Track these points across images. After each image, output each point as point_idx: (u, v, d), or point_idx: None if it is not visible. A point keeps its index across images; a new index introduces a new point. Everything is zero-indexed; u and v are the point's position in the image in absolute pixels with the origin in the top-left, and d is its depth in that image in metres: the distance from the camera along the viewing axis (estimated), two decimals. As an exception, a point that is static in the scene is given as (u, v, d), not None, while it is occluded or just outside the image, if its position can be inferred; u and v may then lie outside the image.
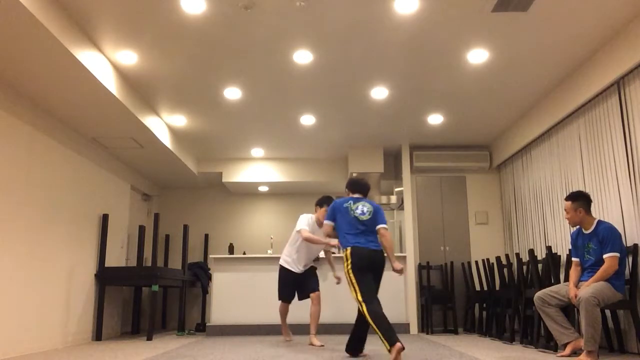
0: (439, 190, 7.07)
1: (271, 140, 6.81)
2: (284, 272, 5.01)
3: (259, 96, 5.34)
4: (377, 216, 3.84)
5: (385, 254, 3.82)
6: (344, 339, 5.41)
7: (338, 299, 6.27)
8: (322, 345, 4.64)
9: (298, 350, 4.31)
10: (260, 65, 4.64)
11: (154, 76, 4.81)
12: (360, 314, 3.72)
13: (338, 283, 5.02)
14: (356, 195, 3.98)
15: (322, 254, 6.31)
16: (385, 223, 3.83)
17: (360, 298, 3.50)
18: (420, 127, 6.36)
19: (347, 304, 6.26)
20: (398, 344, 3.15)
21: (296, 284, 5.02)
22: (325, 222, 3.93)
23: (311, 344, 4.74)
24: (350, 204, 3.87)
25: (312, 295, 4.85)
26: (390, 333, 3.24)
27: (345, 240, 3.74)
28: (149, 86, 5.04)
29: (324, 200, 4.91)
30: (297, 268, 4.95)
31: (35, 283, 4.63)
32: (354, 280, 3.58)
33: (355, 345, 3.80)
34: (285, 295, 5.01)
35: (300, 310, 6.11)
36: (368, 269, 3.62)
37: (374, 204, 3.91)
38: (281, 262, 5.04)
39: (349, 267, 3.61)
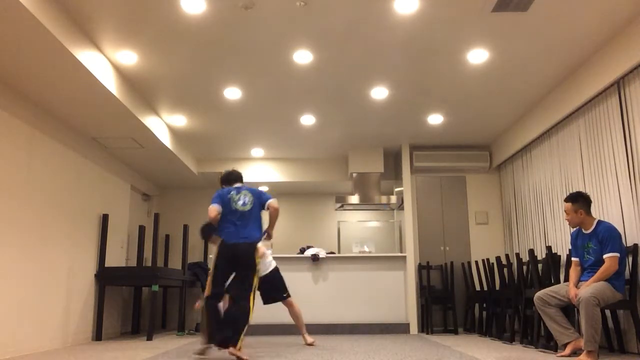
0: (439, 190, 7.07)
1: (271, 140, 6.81)
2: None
3: (259, 96, 5.34)
4: (261, 198, 4.03)
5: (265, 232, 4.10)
6: (345, 338, 5.41)
7: (338, 299, 6.27)
8: (312, 343, 4.78)
9: (298, 351, 4.31)
10: (260, 65, 4.64)
11: (154, 76, 4.81)
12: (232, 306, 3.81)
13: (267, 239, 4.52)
14: (236, 185, 4.10)
15: (322, 254, 6.31)
16: (271, 198, 4.07)
17: (206, 292, 3.75)
18: (420, 127, 6.36)
19: (347, 304, 6.26)
20: (211, 345, 3.43)
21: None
22: (213, 205, 3.94)
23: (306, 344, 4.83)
24: (232, 194, 3.99)
25: (283, 304, 4.95)
26: (214, 333, 3.54)
27: (221, 231, 3.91)
28: (149, 86, 5.04)
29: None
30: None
31: (35, 283, 4.63)
32: (211, 272, 3.83)
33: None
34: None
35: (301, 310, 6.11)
36: (231, 263, 3.80)
37: (254, 190, 4.07)
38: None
39: (215, 257, 3.82)
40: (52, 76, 4.14)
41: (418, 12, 3.80)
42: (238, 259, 3.80)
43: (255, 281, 3.80)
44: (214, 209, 3.92)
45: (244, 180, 7.58)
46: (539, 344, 4.35)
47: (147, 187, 7.77)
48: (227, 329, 3.55)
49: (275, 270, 5.00)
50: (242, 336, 3.55)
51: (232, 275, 3.86)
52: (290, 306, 4.94)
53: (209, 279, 3.87)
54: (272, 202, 4.05)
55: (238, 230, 3.88)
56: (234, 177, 4.21)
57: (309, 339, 4.82)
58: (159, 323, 7.81)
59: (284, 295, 4.93)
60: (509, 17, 3.88)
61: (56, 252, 5.01)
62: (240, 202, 3.95)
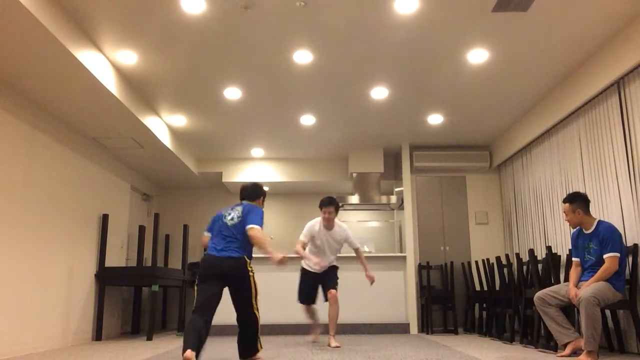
0: (439, 190, 7.07)
1: (271, 140, 6.81)
2: (301, 272, 4.95)
3: (259, 96, 5.34)
4: (247, 217, 3.57)
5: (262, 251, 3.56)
6: (345, 338, 5.41)
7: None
8: (338, 346, 4.55)
9: (299, 351, 4.31)
10: (260, 65, 4.64)
11: (154, 76, 4.81)
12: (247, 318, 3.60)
13: (372, 283, 4.71)
14: (238, 202, 3.89)
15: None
16: (254, 222, 3.53)
17: (193, 308, 3.41)
18: (420, 127, 6.36)
19: (347, 304, 6.26)
20: (186, 353, 3.07)
21: (315, 285, 4.90)
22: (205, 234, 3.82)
23: (328, 345, 4.66)
24: (227, 211, 3.71)
25: (328, 294, 4.71)
26: (188, 342, 3.16)
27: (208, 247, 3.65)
28: (149, 86, 5.04)
29: (323, 203, 4.83)
30: (312, 268, 4.86)
31: (35, 283, 4.63)
32: (195, 288, 3.58)
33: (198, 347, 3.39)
34: (303, 297, 4.89)
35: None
36: (214, 277, 3.45)
37: (248, 206, 3.67)
38: (301, 262, 4.97)
39: (198, 274, 3.52)
40: (52, 76, 4.14)
41: (418, 12, 3.80)
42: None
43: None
44: (204, 236, 3.81)
45: (243, 179, 7.58)
46: (539, 344, 4.35)
47: (147, 187, 7.77)
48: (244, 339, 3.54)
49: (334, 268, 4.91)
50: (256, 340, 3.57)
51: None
52: (333, 302, 4.71)
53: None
54: (249, 229, 3.56)
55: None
56: (242, 193, 3.92)
57: (333, 342, 4.62)
58: (159, 323, 7.81)
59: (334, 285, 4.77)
60: (509, 17, 3.88)
61: (56, 252, 5.01)
62: (229, 217, 3.64)
